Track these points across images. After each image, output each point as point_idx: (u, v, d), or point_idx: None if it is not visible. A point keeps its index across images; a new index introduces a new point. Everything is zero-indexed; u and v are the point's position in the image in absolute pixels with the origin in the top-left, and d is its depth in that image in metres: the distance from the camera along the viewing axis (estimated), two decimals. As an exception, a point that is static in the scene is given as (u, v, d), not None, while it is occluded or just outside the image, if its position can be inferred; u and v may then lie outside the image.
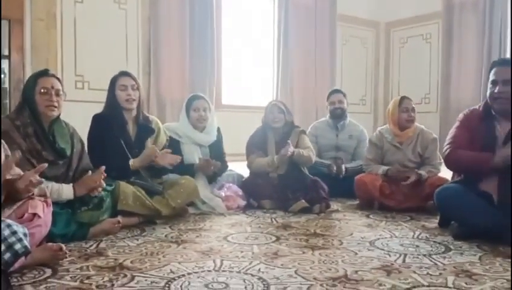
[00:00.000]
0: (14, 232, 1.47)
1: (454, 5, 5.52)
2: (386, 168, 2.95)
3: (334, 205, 3.05)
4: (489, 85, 2.30)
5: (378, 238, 2.21)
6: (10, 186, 1.60)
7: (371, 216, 2.75)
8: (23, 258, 1.56)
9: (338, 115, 3.55)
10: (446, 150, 2.35)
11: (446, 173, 2.72)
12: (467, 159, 2.27)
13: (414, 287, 1.54)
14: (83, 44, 4.35)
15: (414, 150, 2.99)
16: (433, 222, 2.53)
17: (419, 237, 2.25)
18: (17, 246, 1.46)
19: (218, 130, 3.15)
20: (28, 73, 4.09)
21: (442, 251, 1.99)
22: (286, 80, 5.46)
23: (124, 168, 2.41)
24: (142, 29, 4.68)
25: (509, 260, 1.84)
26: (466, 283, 1.58)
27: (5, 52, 4.09)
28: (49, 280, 1.60)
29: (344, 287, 1.53)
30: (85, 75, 4.42)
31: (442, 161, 2.55)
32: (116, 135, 2.49)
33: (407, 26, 5.99)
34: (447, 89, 5.57)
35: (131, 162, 2.45)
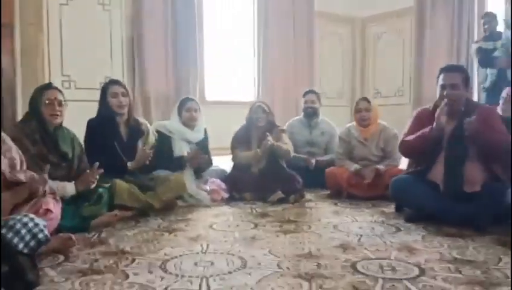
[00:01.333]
0: (36, 224, 1.85)
1: (426, 1, 5.95)
2: (357, 166, 3.40)
3: (308, 195, 3.49)
4: (438, 88, 2.73)
5: (341, 223, 2.65)
6: (29, 186, 1.98)
7: (338, 204, 3.20)
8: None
9: (310, 114, 4.00)
10: (400, 141, 2.80)
11: (405, 166, 3.16)
12: (412, 140, 2.71)
13: (363, 259, 1.97)
14: (68, 45, 4.63)
15: (377, 146, 3.45)
16: (391, 208, 2.98)
17: (376, 220, 2.70)
18: (40, 235, 1.84)
19: (205, 130, 3.56)
20: (18, 75, 4.40)
21: (393, 232, 2.43)
22: (266, 75, 5.84)
23: (120, 168, 2.80)
24: (125, 28, 4.98)
25: (448, 237, 2.28)
26: (406, 256, 2.02)
27: (-5, 56, 4.39)
28: (63, 263, 1.97)
29: (307, 261, 1.95)
30: (71, 75, 4.71)
31: (401, 154, 3.01)
32: (110, 137, 2.87)
33: (382, 22, 6.42)
34: (420, 82, 6.01)
35: (129, 164, 2.84)
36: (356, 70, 6.73)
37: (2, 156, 2.07)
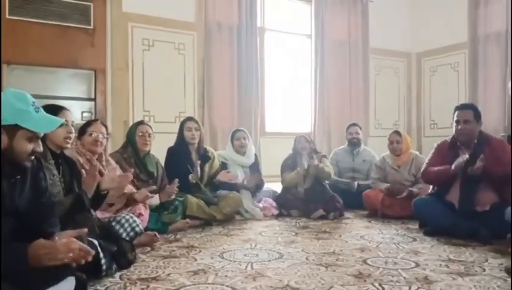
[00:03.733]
0: (135, 221, 2.79)
1: (479, 37, 6.49)
2: (388, 185, 4.08)
3: (348, 214, 4.22)
4: (454, 124, 3.40)
5: (368, 234, 3.36)
6: (130, 197, 2.94)
7: (372, 221, 3.90)
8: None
9: (354, 143, 4.76)
10: (423, 169, 3.48)
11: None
12: (434, 172, 3.38)
13: (374, 257, 2.69)
14: (149, 85, 5.72)
15: (409, 172, 4.13)
16: (417, 225, 3.62)
17: (399, 233, 3.38)
18: (137, 229, 2.78)
19: (256, 155, 4.45)
20: (109, 112, 5.55)
21: (409, 241, 3.11)
22: (323, 109, 6.63)
23: (188, 185, 3.76)
24: (197, 70, 6.00)
25: (454, 247, 2.92)
26: (410, 257, 2.70)
27: (92, 96, 5.59)
28: (151, 252, 2.88)
29: (329, 256, 2.71)
30: (151, 110, 5.78)
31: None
32: (184, 162, 3.83)
33: (437, 56, 7.03)
34: (474, 114, 6.49)
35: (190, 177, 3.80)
36: (412, 103, 7.33)
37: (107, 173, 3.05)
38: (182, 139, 3.97)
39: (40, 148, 1.84)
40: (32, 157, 1.85)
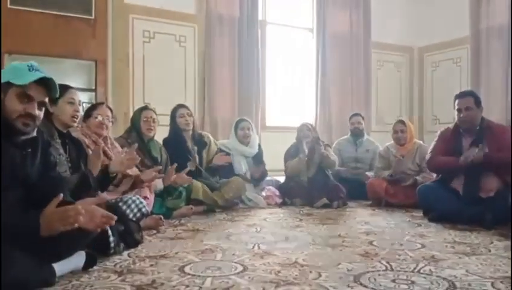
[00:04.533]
0: (141, 202, 2.83)
1: (481, 31, 6.56)
2: (390, 171, 4.14)
3: (351, 204, 4.27)
4: (456, 112, 3.46)
5: (373, 221, 3.41)
6: (136, 178, 2.98)
7: (376, 210, 3.95)
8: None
9: (357, 133, 4.81)
10: (428, 157, 3.53)
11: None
12: (441, 162, 3.43)
13: (380, 239, 2.74)
14: (149, 76, 5.76)
15: (413, 161, 4.18)
16: (421, 213, 3.67)
17: (404, 220, 3.42)
18: (143, 210, 2.82)
19: (259, 145, 4.48)
20: (110, 103, 5.57)
21: (414, 227, 3.16)
22: (324, 103, 6.68)
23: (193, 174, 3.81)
24: (198, 62, 6.03)
25: (459, 231, 2.97)
26: (415, 239, 2.75)
27: (92, 86, 5.62)
28: (157, 234, 2.91)
29: (335, 239, 2.75)
30: (151, 102, 5.78)
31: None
32: (181, 151, 3.87)
33: (439, 51, 7.09)
34: (476, 108, 6.56)
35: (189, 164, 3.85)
36: (414, 98, 7.40)
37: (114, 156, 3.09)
38: (176, 128, 4.01)
39: (35, 112, 1.84)
40: (29, 122, 1.84)
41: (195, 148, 4.03)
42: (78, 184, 2.35)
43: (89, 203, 1.82)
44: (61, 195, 1.76)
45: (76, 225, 1.70)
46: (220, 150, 4.28)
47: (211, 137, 4.33)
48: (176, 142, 3.96)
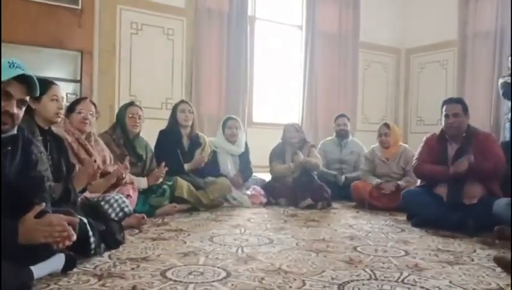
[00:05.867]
0: (124, 201, 2.76)
1: (468, 35, 6.59)
2: (378, 181, 4.13)
3: (335, 205, 4.25)
4: (443, 118, 3.45)
5: (357, 224, 3.39)
6: (117, 175, 2.91)
7: (360, 212, 3.94)
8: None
9: (342, 134, 4.80)
10: (414, 164, 3.52)
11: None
12: (428, 170, 3.42)
13: (364, 245, 2.72)
14: (136, 69, 5.66)
15: (398, 165, 4.18)
16: (405, 217, 3.66)
17: (388, 224, 3.41)
18: (126, 209, 2.75)
19: (246, 143, 4.43)
20: (95, 94, 5.48)
21: (398, 232, 3.15)
22: (311, 101, 6.65)
23: (179, 170, 3.73)
24: (186, 56, 5.97)
25: (442, 237, 2.96)
26: (399, 246, 2.73)
27: (77, 77, 5.50)
28: (139, 234, 2.85)
29: (319, 243, 2.72)
30: (138, 95, 5.70)
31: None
32: (174, 146, 3.81)
33: (426, 53, 7.11)
34: (461, 111, 6.60)
35: (186, 166, 3.77)
36: (400, 98, 7.41)
37: (97, 154, 3.02)
38: (174, 122, 3.96)
39: (14, 110, 1.77)
40: (7, 121, 1.77)
41: (189, 143, 3.99)
42: (59, 196, 2.29)
43: (61, 219, 1.74)
44: (43, 204, 1.70)
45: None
46: (214, 153, 4.24)
47: (206, 139, 4.27)
48: (171, 136, 3.93)
